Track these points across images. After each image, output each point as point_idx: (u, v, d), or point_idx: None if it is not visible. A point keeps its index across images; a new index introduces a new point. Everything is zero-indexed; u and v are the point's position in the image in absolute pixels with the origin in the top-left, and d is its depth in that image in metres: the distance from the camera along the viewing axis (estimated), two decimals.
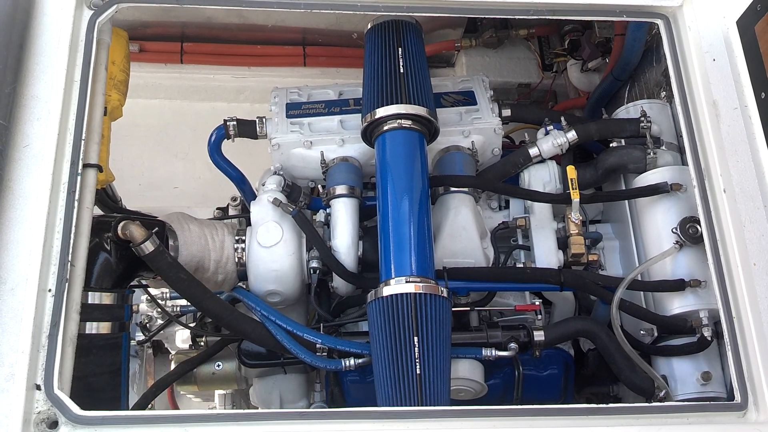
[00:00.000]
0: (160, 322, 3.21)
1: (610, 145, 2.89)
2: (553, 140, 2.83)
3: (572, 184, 2.68)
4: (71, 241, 2.01)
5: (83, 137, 2.12)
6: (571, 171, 2.71)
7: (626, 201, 2.88)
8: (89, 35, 2.24)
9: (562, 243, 2.75)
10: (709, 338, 2.55)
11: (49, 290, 1.95)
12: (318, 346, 2.49)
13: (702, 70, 2.40)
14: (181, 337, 3.24)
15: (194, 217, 2.74)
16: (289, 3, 2.42)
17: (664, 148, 2.83)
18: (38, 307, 1.91)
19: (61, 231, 2.01)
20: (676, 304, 2.61)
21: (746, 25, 2.35)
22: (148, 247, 2.33)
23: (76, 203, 2.05)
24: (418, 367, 2.18)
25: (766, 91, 2.25)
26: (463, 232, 2.68)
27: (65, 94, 2.14)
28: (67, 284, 1.97)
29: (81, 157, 2.10)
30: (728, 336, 2.12)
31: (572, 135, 2.83)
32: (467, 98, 2.99)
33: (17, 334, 1.87)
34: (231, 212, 3.19)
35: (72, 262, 2.01)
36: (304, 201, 2.82)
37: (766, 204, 2.21)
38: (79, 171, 2.09)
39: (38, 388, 1.86)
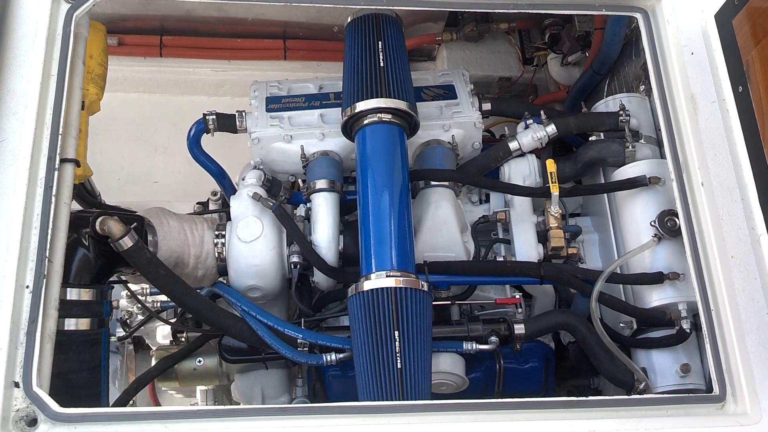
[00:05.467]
0: (140, 317, 3.20)
1: (590, 138, 2.91)
2: (532, 134, 2.84)
3: (552, 178, 2.70)
4: (49, 237, 2.00)
5: (60, 132, 2.11)
6: (551, 165, 2.72)
7: (605, 194, 2.89)
8: (66, 29, 2.22)
9: (542, 236, 2.76)
10: (688, 330, 2.57)
11: (27, 286, 1.94)
12: (299, 341, 2.49)
13: (680, 63, 2.41)
14: (162, 333, 3.23)
15: (174, 212, 2.72)
16: None
17: (642, 141, 2.84)
18: (15, 304, 1.90)
19: (39, 227, 2.00)
20: (655, 297, 2.62)
21: (724, 19, 2.37)
22: (127, 242, 2.32)
23: (53, 198, 2.04)
24: (398, 361, 2.18)
25: (744, 84, 2.26)
26: (444, 226, 2.68)
27: (42, 89, 2.12)
28: (44, 280, 1.96)
29: (58, 152, 2.09)
30: (706, 328, 2.14)
31: (552, 129, 2.84)
32: (447, 92, 2.99)
33: None
34: (211, 207, 3.18)
35: (50, 258, 2.00)
36: (284, 195, 2.81)
37: (743, 197, 2.23)
38: (56, 166, 2.08)
39: (17, 385, 1.85)
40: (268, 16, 4.03)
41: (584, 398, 2.06)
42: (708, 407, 2.06)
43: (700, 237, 2.23)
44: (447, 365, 2.56)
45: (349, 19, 2.80)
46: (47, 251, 1.99)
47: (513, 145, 2.85)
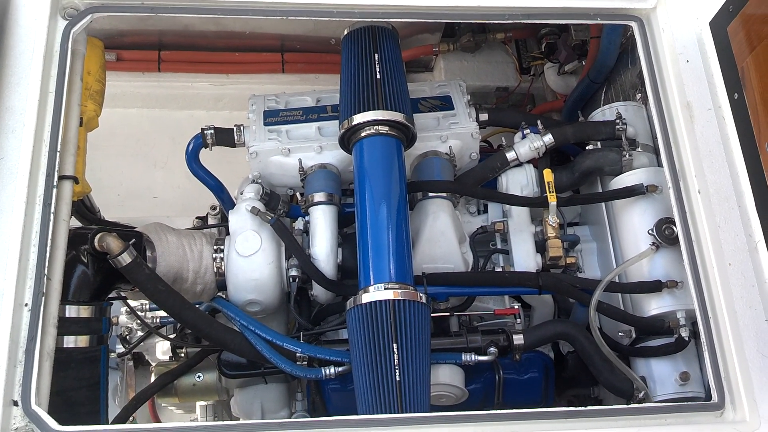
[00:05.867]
0: (140, 334, 3.19)
1: (587, 147, 2.91)
2: (529, 144, 2.84)
3: (549, 188, 2.70)
4: (47, 254, 2.01)
5: (58, 149, 2.12)
6: (548, 174, 2.72)
7: (603, 203, 2.90)
8: (64, 45, 2.24)
9: (541, 246, 2.76)
10: (687, 338, 2.57)
11: (26, 304, 1.94)
12: (298, 355, 2.49)
13: (676, 71, 2.42)
14: (162, 349, 3.23)
15: (172, 227, 2.73)
16: (265, 10, 2.43)
17: (639, 149, 2.85)
18: (14, 322, 1.91)
19: (37, 244, 2.01)
20: (654, 305, 2.62)
21: (719, 26, 2.38)
22: (125, 258, 2.32)
23: (51, 216, 2.05)
24: (397, 373, 2.18)
25: (740, 91, 2.27)
26: (442, 237, 2.68)
27: (40, 106, 2.13)
28: (43, 298, 1.96)
29: (56, 168, 2.10)
30: (705, 336, 2.14)
31: (548, 138, 2.84)
32: (444, 103, 2.99)
33: None
34: (210, 221, 3.18)
35: (48, 276, 2.01)
36: (282, 209, 2.81)
37: (740, 204, 2.24)
38: (55, 183, 2.09)
39: (15, 404, 1.85)
40: (266, 30, 4.03)
41: (583, 408, 2.05)
42: (707, 415, 2.06)
43: (698, 245, 2.24)
44: (446, 377, 2.56)
45: (345, 32, 2.81)
46: (46, 269, 1.99)
47: (510, 155, 2.86)
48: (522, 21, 2.53)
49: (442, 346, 2.57)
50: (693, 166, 2.29)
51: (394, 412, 2.15)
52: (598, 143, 2.89)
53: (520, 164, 2.88)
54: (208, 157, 2.99)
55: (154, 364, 3.28)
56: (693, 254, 2.23)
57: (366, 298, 2.30)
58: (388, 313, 2.25)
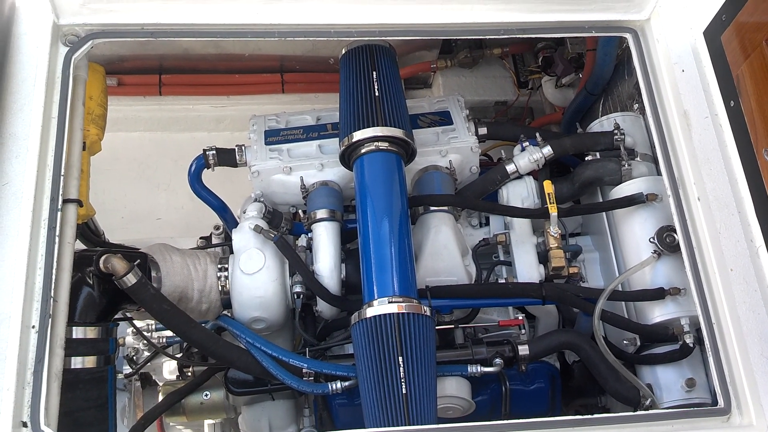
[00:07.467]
0: (146, 354, 3.20)
1: (586, 158, 2.93)
2: (529, 156, 2.86)
3: (549, 199, 2.71)
4: (53, 277, 2.02)
5: (62, 173, 2.15)
6: (548, 186, 2.74)
7: (604, 213, 2.91)
8: (65, 71, 2.27)
9: (543, 257, 2.77)
10: (692, 345, 2.56)
11: (33, 326, 1.96)
12: (304, 370, 2.50)
13: (672, 81, 2.44)
14: (169, 368, 3.23)
15: (176, 248, 2.75)
16: (264, 32, 2.46)
17: (638, 159, 2.86)
18: (22, 344, 1.92)
19: (43, 267, 2.03)
20: (657, 313, 2.63)
21: (713, 35, 2.40)
22: (131, 279, 2.33)
23: (57, 239, 2.07)
24: (404, 386, 2.19)
25: (735, 99, 2.29)
26: (445, 250, 2.69)
27: (43, 131, 2.16)
28: (50, 320, 1.98)
29: (60, 192, 2.12)
30: (709, 342, 2.15)
31: (548, 150, 2.86)
32: (443, 118, 3.02)
33: (1, 372, 1.88)
34: (214, 241, 3.19)
35: (55, 298, 2.02)
36: (285, 227, 2.83)
37: (740, 210, 2.25)
38: (59, 207, 2.11)
39: (25, 425, 1.86)
40: (265, 51, 4.06)
41: (590, 416, 2.06)
42: (713, 420, 2.06)
43: (699, 251, 2.25)
44: (453, 389, 2.56)
45: (343, 51, 2.84)
46: (52, 291, 2.01)
47: (510, 167, 2.87)
48: (518, 36, 2.56)
49: (448, 359, 2.58)
50: (692, 174, 2.31)
51: (401, 425, 2.16)
52: (597, 154, 2.91)
53: (520, 176, 2.89)
54: (210, 178, 3.01)
55: (161, 383, 3.28)
56: (695, 261, 2.24)
57: (370, 312, 2.31)
58: (393, 327, 2.26)
